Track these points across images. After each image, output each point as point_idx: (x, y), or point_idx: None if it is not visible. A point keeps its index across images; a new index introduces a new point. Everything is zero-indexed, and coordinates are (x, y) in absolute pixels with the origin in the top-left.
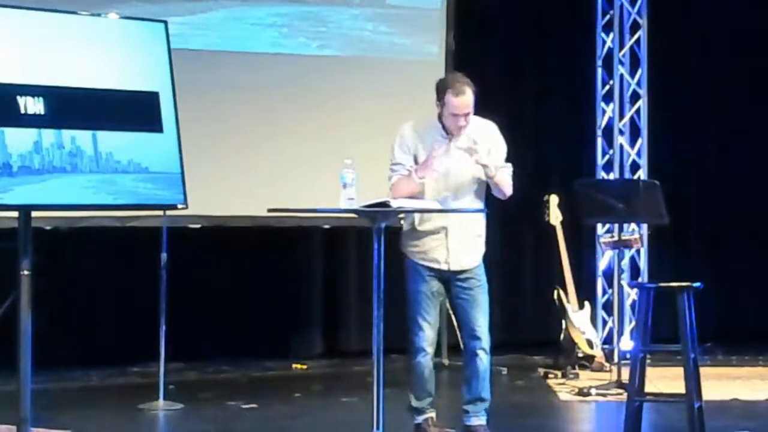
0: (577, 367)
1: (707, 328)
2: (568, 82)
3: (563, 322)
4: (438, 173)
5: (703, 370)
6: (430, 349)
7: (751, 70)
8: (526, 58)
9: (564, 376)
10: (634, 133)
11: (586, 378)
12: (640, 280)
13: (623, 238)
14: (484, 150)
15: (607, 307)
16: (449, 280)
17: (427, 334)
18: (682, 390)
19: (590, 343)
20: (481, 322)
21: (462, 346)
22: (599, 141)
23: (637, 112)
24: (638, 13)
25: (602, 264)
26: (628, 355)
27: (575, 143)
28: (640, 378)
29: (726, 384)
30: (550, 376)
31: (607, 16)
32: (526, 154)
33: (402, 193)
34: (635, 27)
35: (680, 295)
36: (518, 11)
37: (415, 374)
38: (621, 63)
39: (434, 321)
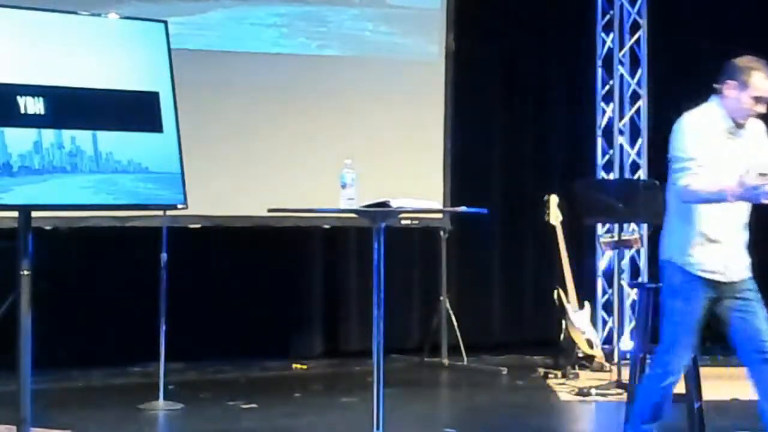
0: (577, 367)
1: (707, 328)
2: (568, 82)
3: (563, 322)
4: (722, 169)
5: (703, 370)
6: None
7: None
8: (526, 59)
9: (564, 376)
10: (634, 133)
11: (586, 378)
12: (640, 280)
13: (623, 238)
14: (758, 149)
15: (607, 307)
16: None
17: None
18: (682, 390)
19: (590, 343)
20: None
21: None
22: (599, 141)
23: (637, 112)
24: (638, 13)
25: (602, 264)
26: (628, 355)
27: (575, 143)
28: (640, 378)
29: (726, 384)
30: (550, 376)
31: (607, 17)
32: (527, 154)
33: (700, 200)
34: (635, 27)
35: None
36: (518, 11)
37: (661, 398)
38: (621, 63)
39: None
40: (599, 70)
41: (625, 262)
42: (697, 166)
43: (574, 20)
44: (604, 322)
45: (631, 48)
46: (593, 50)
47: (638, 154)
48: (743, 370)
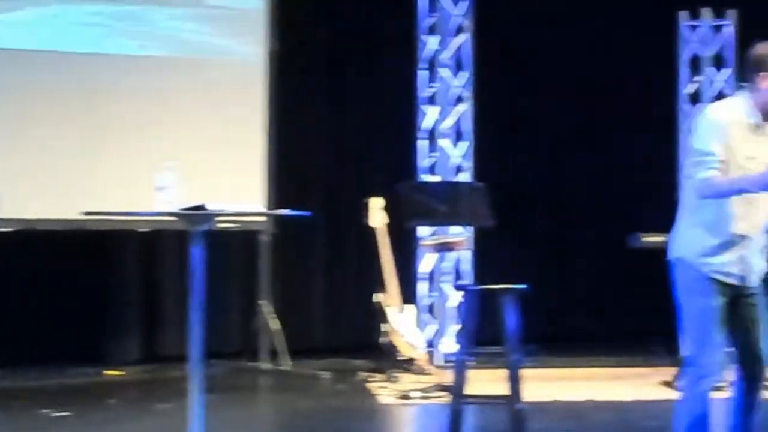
0: (399, 370)
1: (531, 330)
2: (392, 84)
3: (385, 325)
4: (745, 166)
5: (527, 372)
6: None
7: (577, 77)
8: (350, 60)
9: (386, 379)
10: (459, 136)
11: (408, 381)
12: (464, 282)
13: (447, 240)
14: None
15: (430, 309)
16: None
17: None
18: (504, 392)
19: (412, 346)
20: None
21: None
22: (423, 144)
23: (462, 115)
24: (463, 16)
25: (426, 266)
26: (450, 358)
27: (399, 146)
28: (462, 380)
29: (548, 385)
30: (371, 379)
31: (432, 19)
32: (350, 156)
33: (717, 194)
34: (460, 30)
35: (505, 298)
36: (343, 12)
37: (703, 410)
38: (445, 66)
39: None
40: (423, 73)
41: (450, 265)
42: (715, 161)
43: (399, 22)
44: (427, 325)
45: (456, 51)
46: (417, 53)
47: (462, 156)
48: (566, 372)
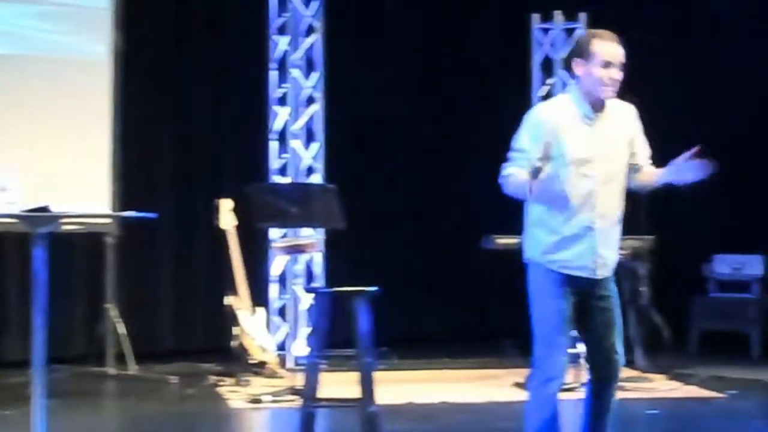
0: (249, 374)
1: (384, 332)
2: (242, 85)
3: (236, 328)
4: (581, 165)
5: (379, 375)
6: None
7: (430, 79)
8: (199, 59)
9: (236, 383)
10: (310, 137)
11: (259, 385)
12: (315, 284)
13: (298, 242)
14: (626, 139)
15: (282, 312)
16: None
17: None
18: (357, 395)
19: (263, 349)
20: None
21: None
22: (274, 145)
23: (313, 116)
24: (313, 16)
25: (277, 269)
26: (302, 361)
27: (249, 147)
28: (314, 383)
29: (401, 388)
30: (221, 383)
31: (282, 19)
32: (200, 157)
33: (511, 192)
34: (310, 31)
35: (356, 300)
36: (191, 12)
37: (551, 411)
38: (296, 66)
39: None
40: (273, 73)
41: (301, 267)
42: (523, 159)
43: (249, 22)
44: (279, 328)
45: (306, 52)
46: (267, 53)
47: (314, 158)
48: (418, 374)
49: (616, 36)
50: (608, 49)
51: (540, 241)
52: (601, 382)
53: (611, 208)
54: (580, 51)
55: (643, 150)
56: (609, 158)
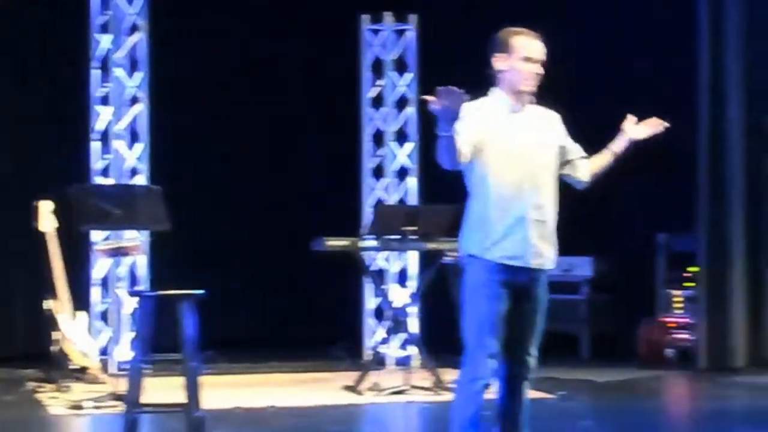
0: (70, 379)
1: (210, 336)
2: (64, 83)
3: (56, 333)
4: (510, 155)
5: (205, 379)
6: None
7: (256, 78)
8: (17, 59)
9: (56, 389)
10: (134, 138)
11: (80, 391)
12: (139, 288)
13: (121, 245)
14: (553, 136)
15: (104, 316)
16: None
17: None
18: (182, 400)
19: (84, 355)
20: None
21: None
22: (96, 145)
23: (137, 116)
24: (137, 14)
25: (99, 272)
26: (125, 366)
27: (71, 147)
28: (138, 388)
29: (228, 392)
30: (40, 389)
31: (103, 17)
32: (17, 157)
33: (443, 152)
34: (133, 29)
35: (181, 304)
36: (10, 10)
37: (476, 409)
38: (119, 65)
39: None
40: (96, 72)
41: (125, 270)
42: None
43: (71, 20)
44: (101, 332)
45: (130, 50)
46: (90, 51)
47: (138, 158)
48: (246, 378)
49: (536, 33)
50: (529, 44)
51: (478, 236)
52: (512, 381)
53: (543, 199)
54: (501, 46)
55: (573, 146)
56: (538, 150)
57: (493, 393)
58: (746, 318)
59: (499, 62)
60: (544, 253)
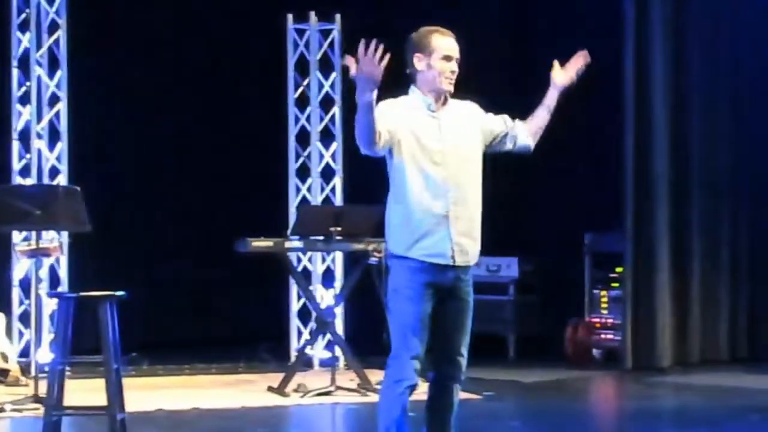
0: None
1: (133, 337)
2: None
3: None
4: (431, 154)
5: (128, 381)
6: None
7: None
8: None
9: None
10: (54, 137)
11: (0, 393)
12: (60, 289)
13: (41, 246)
14: (475, 128)
15: (25, 318)
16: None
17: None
18: (104, 402)
19: (5, 357)
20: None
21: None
22: (16, 144)
23: (57, 115)
24: (57, 12)
25: (19, 273)
26: (46, 368)
27: None
28: (59, 391)
29: (151, 394)
30: None
31: (24, 15)
32: None
33: (360, 128)
34: (54, 27)
35: (102, 305)
36: None
37: (401, 409)
38: (39, 64)
39: None
40: (15, 71)
41: (45, 271)
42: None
43: None
44: (22, 334)
45: (50, 49)
46: (8, 50)
47: (58, 158)
48: (169, 380)
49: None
50: (447, 43)
51: (401, 236)
52: (443, 382)
53: (466, 195)
54: (420, 46)
55: (496, 120)
56: (458, 147)
57: (422, 393)
58: (672, 318)
59: (419, 62)
60: (468, 250)
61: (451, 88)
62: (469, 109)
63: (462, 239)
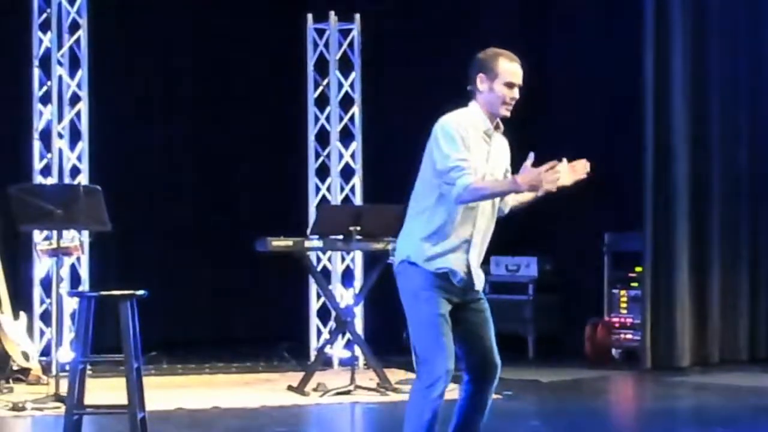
0: (11, 380)
1: (153, 336)
2: (4, 82)
3: None
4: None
5: (148, 380)
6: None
7: (205, 79)
8: None
9: None
10: (75, 137)
11: (22, 392)
12: (81, 288)
13: (62, 245)
14: (504, 165)
15: (46, 317)
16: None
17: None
18: (125, 401)
19: (26, 356)
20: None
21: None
22: (37, 144)
23: (78, 114)
24: (78, 12)
25: (40, 272)
26: (67, 367)
27: (11, 146)
28: (79, 390)
29: (171, 393)
30: None
31: (45, 15)
32: None
33: (484, 196)
34: (75, 27)
35: (123, 304)
36: None
37: (432, 415)
38: (60, 64)
39: None
40: (36, 71)
41: (66, 270)
42: (470, 167)
43: (9, 17)
44: (43, 333)
45: (71, 48)
46: (30, 49)
47: (79, 158)
48: (189, 379)
49: (517, 57)
50: (513, 69)
51: (426, 250)
52: (480, 384)
53: (487, 224)
54: (486, 68)
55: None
56: (494, 177)
57: (454, 393)
58: (691, 318)
59: (482, 84)
60: (476, 272)
61: (508, 114)
62: (505, 144)
63: (474, 267)
